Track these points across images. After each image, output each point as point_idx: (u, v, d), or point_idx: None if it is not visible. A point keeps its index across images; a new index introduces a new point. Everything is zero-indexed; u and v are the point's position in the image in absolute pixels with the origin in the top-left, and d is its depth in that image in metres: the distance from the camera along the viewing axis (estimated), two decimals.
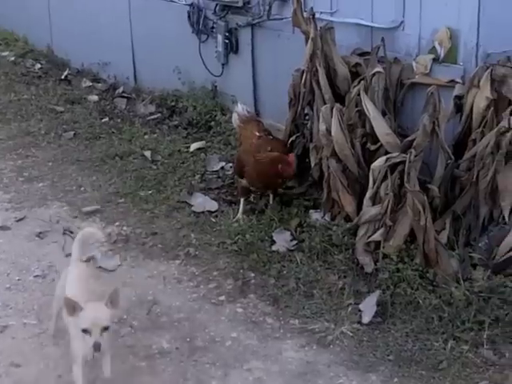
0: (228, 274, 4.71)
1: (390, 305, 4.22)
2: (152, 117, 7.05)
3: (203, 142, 6.37)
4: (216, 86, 6.73)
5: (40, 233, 5.30)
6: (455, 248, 4.42)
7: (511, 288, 4.15)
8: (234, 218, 5.20)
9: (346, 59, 5.08)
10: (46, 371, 3.93)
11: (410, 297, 4.21)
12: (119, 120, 7.14)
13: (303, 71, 4.99)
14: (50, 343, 4.14)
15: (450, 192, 4.59)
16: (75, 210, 5.60)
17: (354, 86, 4.78)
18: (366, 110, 4.58)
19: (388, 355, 3.93)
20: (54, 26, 8.97)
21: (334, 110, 4.55)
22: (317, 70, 4.87)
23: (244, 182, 5.24)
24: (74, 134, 6.87)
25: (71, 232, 5.28)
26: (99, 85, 8.11)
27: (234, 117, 5.69)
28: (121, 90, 7.77)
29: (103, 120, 7.16)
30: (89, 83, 8.14)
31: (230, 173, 5.83)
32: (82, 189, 5.92)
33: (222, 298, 4.51)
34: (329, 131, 4.63)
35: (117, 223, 5.39)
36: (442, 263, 4.26)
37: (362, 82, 4.70)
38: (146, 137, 6.65)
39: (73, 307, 3.41)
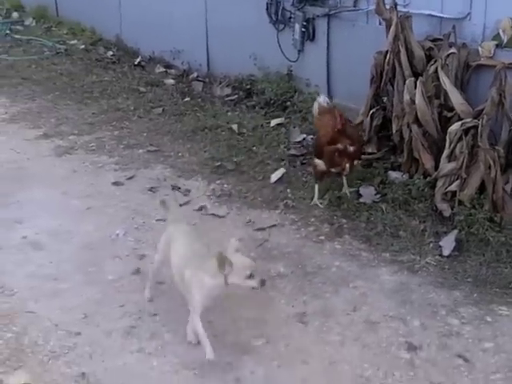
0: (324, 220, 5.86)
1: (466, 242, 5.37)
2: (229, 98, 8.23)
3: (282, 118, 7.54)
4: (291, 71, 7.91)
5: (152, 187, 6.44)
6: None
7: None
8: (305, 200, 6.13)
9: (421, 43, 6.24)
10: None
11: (481, 235, 5.36)
12: (200, 100, 8.32)
13: (387, 52, 6.15)
14: None
15: (510, 153, 5.75)
16: (178, 171, 6.75)
17: (431, 65, 5.96)
18: (443, 84, 5.76)
19: (467, 278, 5.07)
20: (124, 16, 10.17)
21: (418, 82, 5.74)
22: (399, 51, 6.05)
23: (320, 163, 6.05)
24: (163, 110, 8.06)
25: (179, 188, 6.43)
26: (172, 71, 9.30)
27: (315, 106, 6.48)
28: (195, 74, 8.97)
29: (185, 100, 8.37)
30: (162, 69, 9.35)
31: (311, 143, 6.97)
32: (180, 154, 7.08)
33: (322, 237, 5.65)
34: (412, 100, 5.80)
35: (217, 181, 6.54)
36: (508, 209, 5.43)
37: (439, 61, 5.86)
38: (228, 114, 7.82)
39: (224, 262, 3.98)
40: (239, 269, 4.00)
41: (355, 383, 4.10)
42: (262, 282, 4.06)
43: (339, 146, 5.83)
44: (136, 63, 9.61)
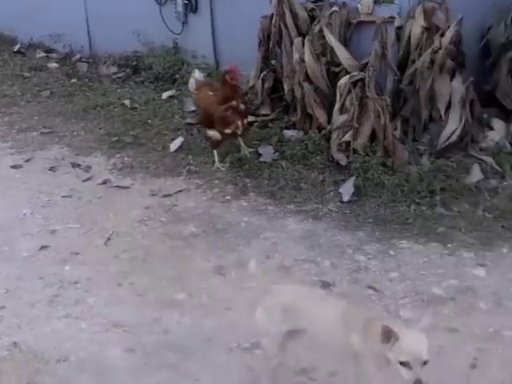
0: (227, 182, 6.16)
1: (363, 187, 5.79)
2: (117, 75, 8.39)
3: (173, 90, 7.77)
4: (177, 44, 8.15)
5: (52, 167, 6.57)
6: (405, 143, 6.06)
7: (451, 167, 5.84)
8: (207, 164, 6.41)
9: (303, 5, 6.62)
10: (101, 256, 5.23)
11: (377, 179, 5.80)
12: (87, 80, 8.45)
13: (272, 15, 6.49)
14: (98, 238, 5.45)
15: (396, 102, 6.21)
16: (75, 149, 6.90)
17: (315, 25, 6.34)
18: (328, 41, 6.16)
19: (368, 219, 5.49)
20: None
21: (306, 41, 6.12)
22: (284, 13, 6.40)
23: (212, 132, 6.32)
24: (51, 92, 8.14)
25: (79, 165, 6.59)
26: (54, 55, 9.37)
27: (191, 82, 6.73)
28: (78, 56, 9.08)
29: (72, 81, 8.48)
30: (43, 54, 9.39)
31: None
32: (75, 133, 7.23)
33: (228, 197, 5.95)
34: (301, 59, 6.17)
35: (117, 156, 6.73)
36: (399, 153, 5.89)
37: (323, 19, 6.25)
38: (118, 91, 7.99)
39: (388, 335, 3.18)
40: (400, 349, 3.17)
41: None
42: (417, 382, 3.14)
43: (233, 103, 6.17)
44: (15, 50, 9.60)
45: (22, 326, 4.43)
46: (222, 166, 6.32)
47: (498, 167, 5.79)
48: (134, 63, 8.43)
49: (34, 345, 4.25)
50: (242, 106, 6.22)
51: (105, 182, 6.26)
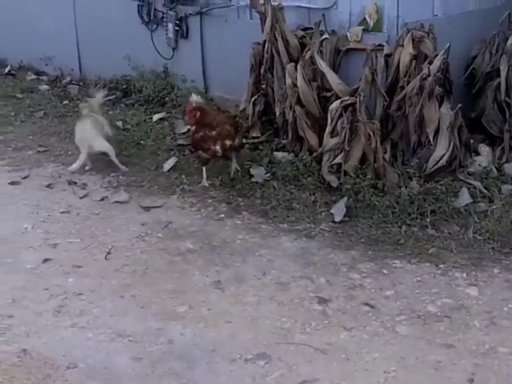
0: (221, 201, 6.25)
1: (354, 208, 5.92)
2: (107, 98, 8.45)
3: (163, 113, 7.90)
4: (167, 68, 8.28)
5: (49, 184, 6.62)
6: (395, 166, 6.21)
7: (440, 190, 5.97)
8: (199, 184, 6.49)
9: (294, 32, 6.80)
10: (103, 269, 5.29)
11: (367, 201, 5.92)
12: (78, 102, 8.49)
13: (265, 41, 6.66)
14: (99, 252, 5.51)
15: (385, 127, 6.37)
16: None
17: (306, 51, 6.51)
18: (320, 67, 6.32)
19: (360, 239, 5.60)
20: None
21: (299, 66, 6.27)
22: (276, 40, 6.57)
23: (205, 154, 6.43)
24: (44, 113, 8.23)
25: (75, 183, 6.66)
26: (44, 77, 9.46)
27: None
28: (68, 79, 9.18)
29: (64, 103, 8.58)
30: (33, 76, 9.50)
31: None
32: (70, 152, 7.28)
33: (222, 215, 6.03)
34: (294, 84, 6.32)
35: (112, 174, 6.80)
36: (389, 176, 6.03)
37: (314, 46, 6.42)
38: (110, 112, 8.08)
39: None
40: None
41: (278, 334, 4.49)
42: None
43: None
44: (6, 72, 9.70)
45: (30, 334, 4.47)
46: (208, 184, 6.45)
47: (486, 191, 5.95)
48: (124, 86, 8.56)
49: (43, 351, 4.29)
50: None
51: (102, 199, 6.33)
